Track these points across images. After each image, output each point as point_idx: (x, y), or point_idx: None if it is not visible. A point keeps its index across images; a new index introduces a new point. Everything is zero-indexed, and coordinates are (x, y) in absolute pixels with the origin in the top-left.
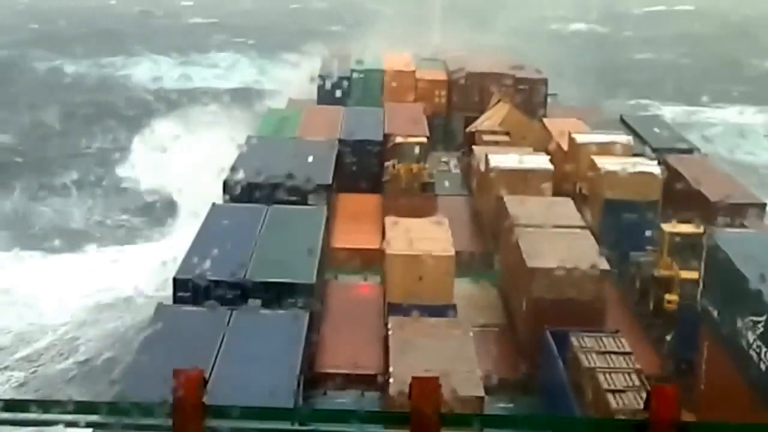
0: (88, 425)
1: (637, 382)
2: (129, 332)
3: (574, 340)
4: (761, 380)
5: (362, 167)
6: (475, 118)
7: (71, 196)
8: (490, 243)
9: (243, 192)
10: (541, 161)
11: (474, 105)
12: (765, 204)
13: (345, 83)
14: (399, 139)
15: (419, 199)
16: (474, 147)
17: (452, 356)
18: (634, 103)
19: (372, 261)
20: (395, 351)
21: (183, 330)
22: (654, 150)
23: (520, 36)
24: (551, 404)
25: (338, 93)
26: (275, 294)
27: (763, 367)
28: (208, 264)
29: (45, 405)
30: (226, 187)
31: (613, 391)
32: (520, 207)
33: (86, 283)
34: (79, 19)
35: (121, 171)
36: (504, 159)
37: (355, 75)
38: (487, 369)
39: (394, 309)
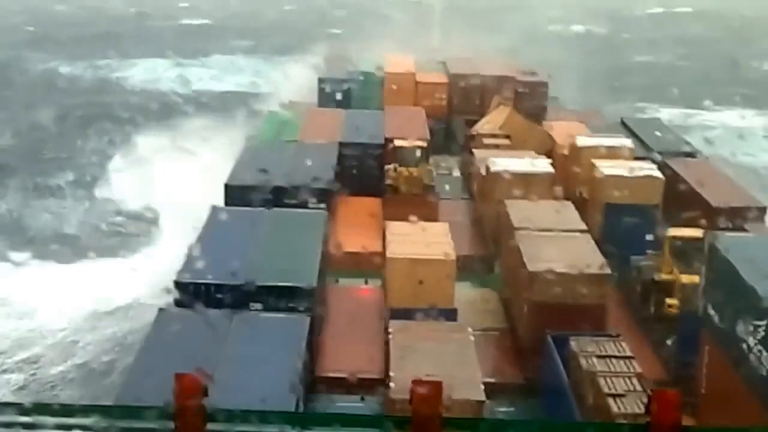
0: (89, 429)
1: (638, 387)
2: (127, 338)
3: (574, 344)
4: (762, 384)
5: (363, 170)
6: (476, 122)
7: (66, 198)
8: (491, 247)
9: (244, 195)
10: (542, 165)
11: (475, 108)
12: (766, 208)
13: (346, 86)
14: (400, 143)
15: (420, 203)
16: (475, 150)
17: (453, 360)
18: (633, 106)
19: (373, 265)
20: (396, 355)
21: (184, 334)
22: (655, 154)
23: (520, 38)
24: (552, 408)
25: (339, 96)
26: (276, 297)
27: (764, 371)
28: (208, 267)
29: (47, 408)
30: (227, 190)
31: (614, 396)
32: (521, 211)
33: (84, 290)
34: (75, 21)
35: (102, 190)
36: (505, 162)
37: (356, 78)
38: (488, 373)
39: (395, 313)
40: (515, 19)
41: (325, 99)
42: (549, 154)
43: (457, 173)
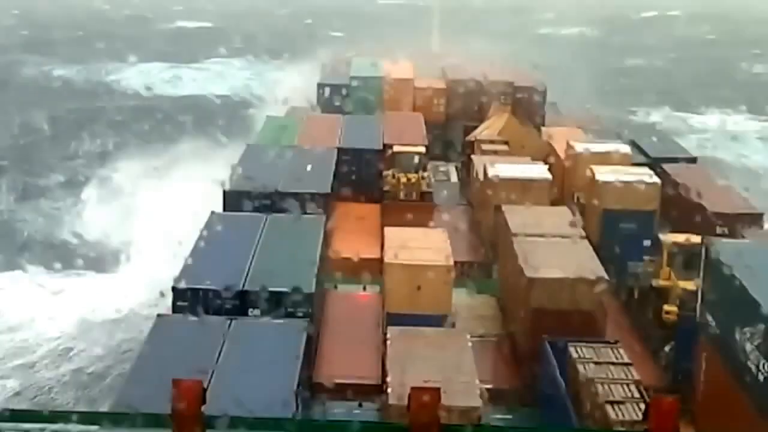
0: None
1: (636, 393)
2: (122, 345)
3: (572, 350)
4: (760, 391)
5: (361, 176)
6: (474, 127)
7: (56, 201)
8: (488, 253)
9: (242, 200)
10: (539, 170)
11: (473, 114)
12: (762, 214)
13: (344, 91)
14: (398, 148)
15: (418, 209)
16: (473, 156)
17: (451, 366)
18: (626, 109)
19: (371, 270)
20: (393, 361)
21: (182, 340)
22: (652, 159)
23: (514, 41)
24: (550, 415)
25: (337, 101)
26: (274, 303)
27: (761, 377)
28: (207, 273)
29: (45, 415)
30: (226, 195)
31: (612, 402)
32: (518, 216)
33: (77, 300)
34: (70, 24)
35: (72, 225)
36: (503, 168)
37: (354, 83)
38: (486, 379)
39: (393, 319)
40: (510, 21)
41: (323, 104)
42: (547, 160)
43: (455, 179)
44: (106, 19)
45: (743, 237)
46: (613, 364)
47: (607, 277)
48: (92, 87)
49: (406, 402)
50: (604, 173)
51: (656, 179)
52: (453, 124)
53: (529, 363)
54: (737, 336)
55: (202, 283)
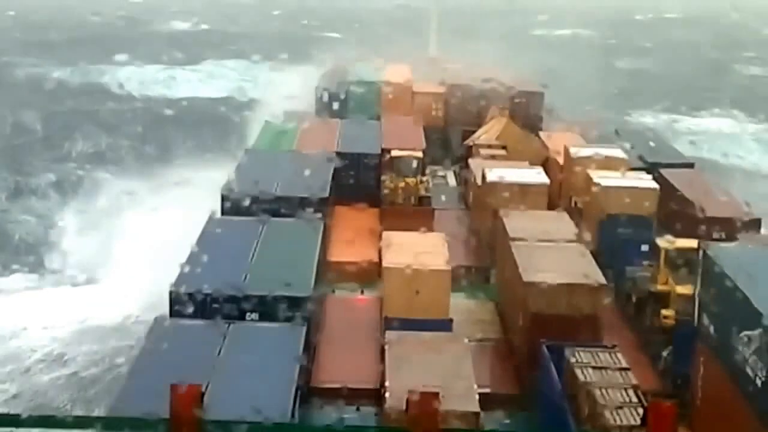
0: None
1: (634, 398)
2: (116, 351)
3: (570, 355)
4: (758, 396)
5: (359, 180)
6: (472, 132)
7: (49, 203)
8: (486, 257)
9: (240, 205)
10: (537, 175)
11: (471, 119)
12: (759, 219)
13: (342, 96)
14: (396, 153)
15: (416, 213)
16: (471, 161)
17: (449, 371)
18: (621, 111)
19: (369, 275)
20: (392, 365)
21: (179, 344)
22: (650, 164)
23: (509, 43)
24: (548, 420)
25: (335, 106)
26: (272, 307)
27: (759, 382)
28: (205, 277)
29: (42, 420)
30: (224, 199)
31: (610, 407)
32: (516, 221)
33: (70, 307)
34: (64, 26)
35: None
36: (501, 173)
37: (352, 88)
38: (484, 384)
39: (390, 323)
40: (506, 23)
41: (321, 108)
42: (545, 165)
43: (453, 183)
44: (102, 21)
45: (741, 242)
46: (611, 369)
47: (605, 281)
48: (86, 88)
49: (404, 406)
50: (601, 178)
51: (654, 184)
52: (451, 129)
53: (527, 368)
54: (735, 341)
55: (200, 288)
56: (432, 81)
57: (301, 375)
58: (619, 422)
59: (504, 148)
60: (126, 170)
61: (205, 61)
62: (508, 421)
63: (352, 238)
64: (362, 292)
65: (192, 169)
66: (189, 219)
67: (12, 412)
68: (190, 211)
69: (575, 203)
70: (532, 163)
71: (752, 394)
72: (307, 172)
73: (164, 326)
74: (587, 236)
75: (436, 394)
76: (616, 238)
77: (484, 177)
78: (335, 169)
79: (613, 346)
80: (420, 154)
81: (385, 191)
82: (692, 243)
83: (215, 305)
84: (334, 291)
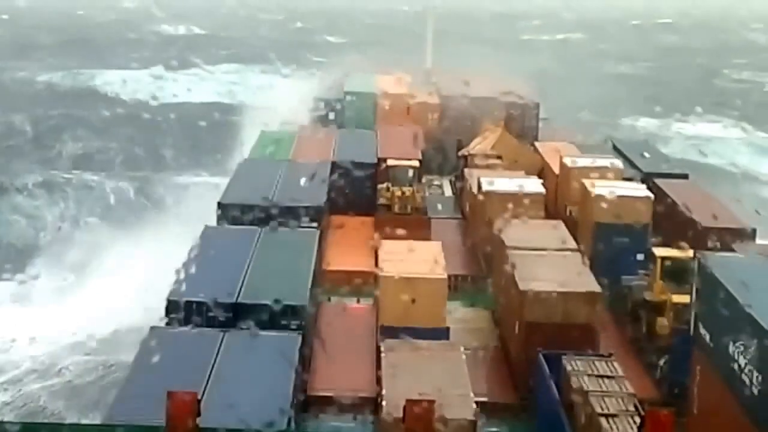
0: None
1: (630, 407)
2: (107, 359)
3: (567, 363)
4: (754, 404)
5: (355, 190)
6: (468, 142)
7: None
8: (482, 266)
9: (236, 213)
10: (533, 184)
11: (467, 129)
12: (755, 229)
13: (339, 106)
14: (392, 162)
15: (412, 222)
16: (466, 170)
17: (445, 379)
18: (613, 117)
19: (365, 283)
20: (388, 374)
21: (175, 352)
22: (645, 174)
23: (503, 48)
24: (544, 428)
25: (332, 116)
26: (268, 316)
27: (755, 391)
28: (200, 285)
29: (37, 428)
30: (220, 208)
31: (607, 416)
32: (512, 230)
33: (59, 315)
34: (56, 29)
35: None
36: (496, 182)
37: (348, 98)
38: (481, 392)
39: (386, 332)
40: (499, 28)
41: (318, 118)
42: (540, 174)
43: (449, 193)
44: (95, 24)
45: (735, 251)
46: (607, 377)
47: (600, 290)
48: (76, 92)
49: (401, 414)
50: (597, 187)
51: (649, 193)
52: (447, 139)
53: (523, 376)
54: (731, 349)
55: (195, 296)
56: (428, 91)
57: (297, 383)
58: (615, 430)
59: (499, 157)
60: (115, 174)
61: (198, 66)
62: (504, 430)
63: (348, 247)
64: (358, 300)
65: (183, 174)
66: (181, 225)
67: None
68: (181, 217)
69: (571, 212)
70: (528, 173)
71: (748, 402)
72: (303, 182)
73: (160, 334)
74: (582, 245)
75: (433, 403)
76: (611, 247)
77: (480, 186)
78: (331, 179)
79: (610, 355)
80: (416, 164)
81: (382, 200)
82: (688, 252)
83: (211, 313)
84: (330, 299)
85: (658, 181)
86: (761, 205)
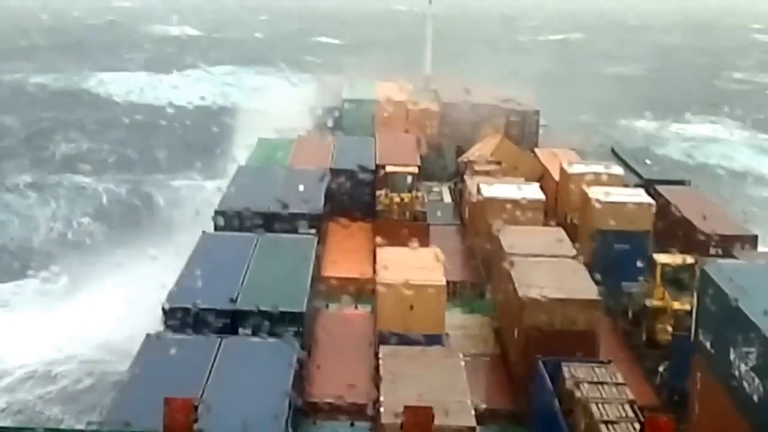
0: None
1: (630, 413)
2: (100, 365)
3: (566, 370)
4: (754, 411)
5: (354, 196)
6: (467, 149)
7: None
8: (482, 273)
9: (234, 220)
10: (532, 191)
11: (466, 135)
12: (756, 236)
13: (337, 112)
14: (391, 169)
15: (411, 229)
16: (466, 177)
17: (444, 386)
18: (607, 120)
19: (363, 290)
20: (386, 380)
21: (172, 358)
22: (645, 181)
23: (493, 48)
24: None
25: (330, 122)
26: (265, 322)
27: (756, 398)
28: (198, 292)
29: None
30: (217, 215)
31: (607, 422)
32: (511, 237)
33: (51, 322)
34: (52, 30)
35: None
36: (496, 189)
37: (346, 105)
38: (480, 399)
39: (385, 338)
40: (493, 29)
41: (316, 125)
42: (540, 181)
43: (448, 199)
44: (89, 25)
45: (736, 258)
46: (607, 384)
47: (600, 297)
48: (69, 95)
49: (399, 421)
50: (597, 193)
51: (650, 199)
52: (446, 145)
53: (522, 383)
54: (732, 356)
55: (193, 302)
56: (427, 98)
57: (295, 389)
58: None
59: (499, 164)
60: (107, 176)
61: (193, 68)
62: None
63: (346, 254)
64: (356, 307)
65: (176, 177)
66: (174, 230)
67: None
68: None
69: (571, 219)
70: (528, 180)
71: (749, 409)
72: (301, 188)
73: (156, 341)
74: (582, 252)
75: (431, 410)
76: (611, 253)
77: (479, 193)
78: (330, 185)
79: (609, 361)
80: (415, 170)
81: (380, 207)
82: (688, 259)
83: (208, 320)
84: (327, 306)
85: (659, 188)
86: (758, 204)
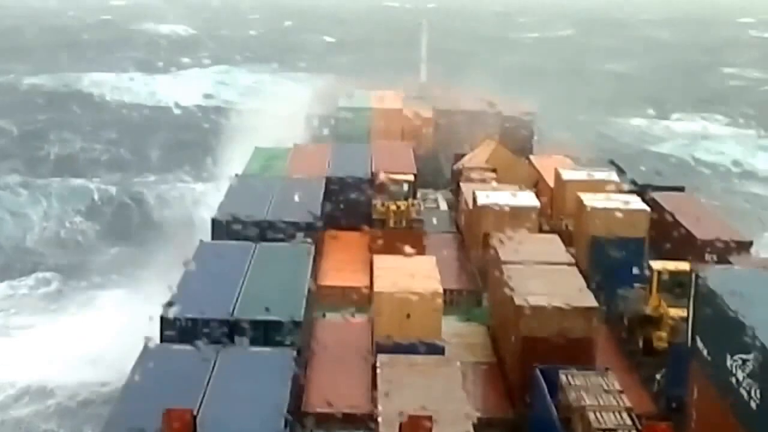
0: None
1: (628, 421)
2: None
3: (563, 377)
4: (752, 419)
5: (350, 205)
6: (463, 156)
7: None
8: (478, 280)
9: (230, 229)
10: (528, 198)
11: (461, 143)
12: (751, 242)
13: (333, 121)
14: (386, 177)
15: (407, 237)
16: (461, 184)
17: (441, 395)
18: (602, 117)
19: (360, 299)
20: (384, 389)
21: (170, 368)
22: (641, 187)
23: (487, 46)
24: None
25: (326, 131)
26: (263, 332)
27: (753, 405)
28: (195, 302)
29: None
30: (214, 225)
31: (604, 430)
32: (507, 244)
33: (46, 336)
34: (46, 29)
35: None
36: (491, 196)
37: (342, 113)
38: (477, 407)
39: (382, 347)
40: (487, 27)
41: (312, 133)
42: (535, 188)
43: (444, 207)
44: (82, 25)
45: (732, 264)
46: (604, 391)
47: (596, 304)
48: (62, 95)
49: (396, 430)
50: (592, 200)
51: (645, 206)
52: (442, 153)
53: (519, 391)
54: (729, 363)
55: (190, 312)
56: (422, 106)
57: (292, 399)
58: None
59: (494, 171)
60: (100, 177)
61: (187, 68)
62: None
63: (342, 262)
64: (353, 315)
65: (167, 179)
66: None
67: None
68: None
69: (566, 226)
70: (523, 186)
71: (747, 417)
72: (297, 197)
73: (154, 351)
74: (578, 259)
75: (429, 418)
76: (607, 260)
77: (474, 200)
78: (326, 194)
79: (606, 369)
80: (410, 178)
81: (376, 215)
82: (684, 265)
83: (205, 330)
84: (324, 315)
85: (654, 194)
86: (750, 201)
